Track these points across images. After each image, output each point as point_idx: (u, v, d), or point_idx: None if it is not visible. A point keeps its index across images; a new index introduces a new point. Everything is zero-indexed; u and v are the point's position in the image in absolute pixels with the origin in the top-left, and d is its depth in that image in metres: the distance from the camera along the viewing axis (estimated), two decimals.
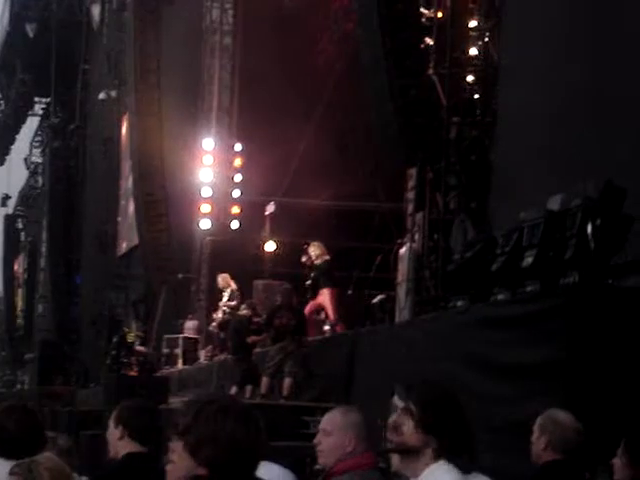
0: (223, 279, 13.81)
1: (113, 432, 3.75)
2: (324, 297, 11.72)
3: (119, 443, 3.71)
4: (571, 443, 3.85)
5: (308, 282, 11.81)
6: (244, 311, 12.29)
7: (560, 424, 3.84)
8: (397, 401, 2.68)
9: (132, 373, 14.69)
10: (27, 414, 3.63)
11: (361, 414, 3.49)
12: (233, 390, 11.22)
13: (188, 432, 2.15)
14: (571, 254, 6.19)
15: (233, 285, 13.68)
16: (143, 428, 3.73)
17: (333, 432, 3.36)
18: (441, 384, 2.80)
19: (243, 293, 13.40)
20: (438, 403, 2.64)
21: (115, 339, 16.70)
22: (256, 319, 11.78)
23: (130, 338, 16.21)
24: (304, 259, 11.91)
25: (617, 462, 3.62)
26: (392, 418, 2.65)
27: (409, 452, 2.60)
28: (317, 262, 11.71)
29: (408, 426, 2.60)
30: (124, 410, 3.81)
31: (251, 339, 11.34)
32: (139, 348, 16.12)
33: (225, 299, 13.74)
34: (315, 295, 11.81)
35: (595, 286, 5.95)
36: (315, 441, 3.40)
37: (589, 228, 6.12)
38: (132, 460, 3.68)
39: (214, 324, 14.35)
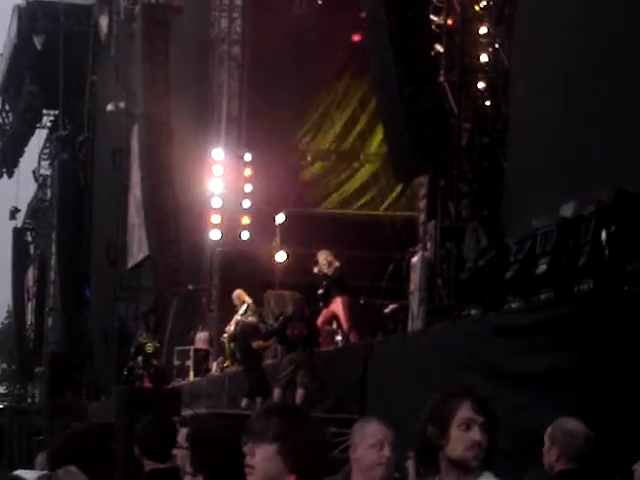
0: (238, 296, 13.70)
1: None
2: (337, 305, 11.71)
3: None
4: (583, 451, 3.83)
5: (320, 291, 11.79)
6: (250, 318, 12.28)
7: (570, 433, 3.83)
8: (472, 414, 2.60)
9: (145, 385, 14.62)
10: None
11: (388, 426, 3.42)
12: (244, 402, 11.16)
13: (284, 439, 2.16)
14: (585, 261, 6.20)
15: (248, 300, 13.57)
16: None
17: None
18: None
19: (259, 308, 13.28)
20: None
21: (132, 349, 16.64)
22: (263, 326, 11.77)
23: (149, 349, 16.14)
24: (316, 270, 11.90)
25: (638, 469, 3.58)
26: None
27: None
28: (328, 270, 11.70)
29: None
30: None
31: (256, 344, 11.31)
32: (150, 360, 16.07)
33: (240, 313, 13.68)
34: (327, 304, 11.78)
35: (610, 293, 5.93)
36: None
37: (603, 235, 6.13)
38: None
39: (225, 335, 14.31)
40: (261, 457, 2.17)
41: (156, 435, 3.82)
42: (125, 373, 15.70)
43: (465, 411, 2.61)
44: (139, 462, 3.85)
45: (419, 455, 2.70)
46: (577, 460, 3.80)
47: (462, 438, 2.58)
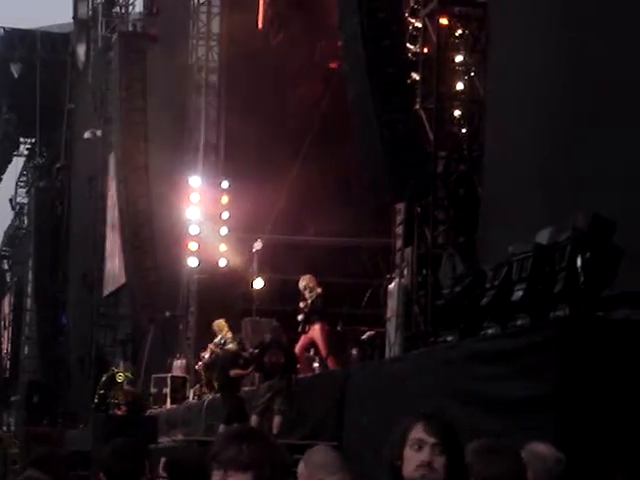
0: (219, 327, 13.62)
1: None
2: (315, 332, 11.69)
3: None
4: (555, 474, 3.84)
5: (300, 317, 11.76)
6: (230, 345, 12.22)
7: (541, 456, 3.83)
8: (423, 435, 2.60)
9: (120, 413, 14.50)
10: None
11: (332, 450, 3.40)
12: (221, 428, 11.10)
13: (259, 466, 2.14)
14: (561, 287, 6.20)
15: (228, 334, 13.46)
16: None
17: None
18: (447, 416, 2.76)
19: (240, 340, 13.19)
20: (457, 437, 2.62)
21: (104, 378, 16.51)
22: (244, 354, 11.71)
23: (119, 378, 16.03)
24: (302, 305, 11.77)
25: None
26: (425, 454, 2.57)
27: None
28: (309, 296, 11.65)
29: (440, 462, 2.56)
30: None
31: (234, 372, 11.26)
32: (127, 387, 15.94)
33: (215, 342, 13.60)
34: (306, 330, 11.75)
35: (585, 319, 5.96)
36: None
37: (579, 261, 6.12)
38: None
39: (200, 364, 14.24)
40: None
41: (120, 461, 3.72)
42: (96, 401, 15.58)
43: (416, 432, 2.61)
44: None
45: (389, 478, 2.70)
46: None
47: (412, 458, 2.59)
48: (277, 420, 10.30)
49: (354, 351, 11.96)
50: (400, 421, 2.67)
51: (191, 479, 3.82)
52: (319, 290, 11.68)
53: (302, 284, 11.78)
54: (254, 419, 10.42)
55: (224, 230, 17.19)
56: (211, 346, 13.73)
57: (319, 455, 3.31)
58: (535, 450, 3.86)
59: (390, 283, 10.89)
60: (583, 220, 6.38)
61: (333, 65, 16.24)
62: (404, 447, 2.60)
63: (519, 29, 9.56)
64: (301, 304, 11.74)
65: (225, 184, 17.31)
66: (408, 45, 11.32)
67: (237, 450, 2.15)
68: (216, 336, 13.68)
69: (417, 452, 2.58)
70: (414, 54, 11.33)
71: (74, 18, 26.43)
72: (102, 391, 15.93)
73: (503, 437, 5.79)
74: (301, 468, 3.27)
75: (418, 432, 2.60)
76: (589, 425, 5.44)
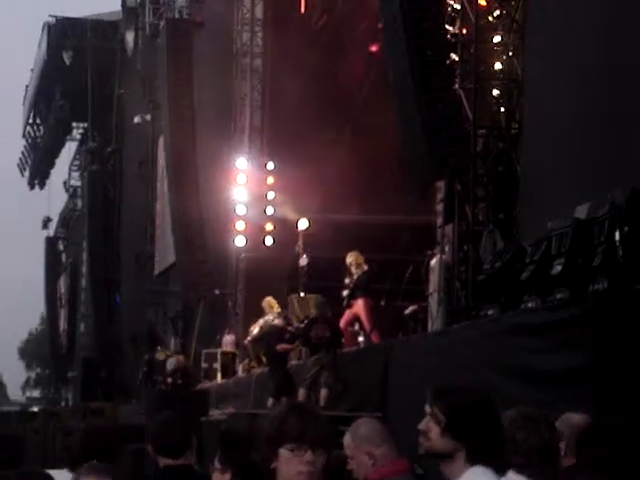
0: (269, 303, 13.83)
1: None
2: (359, 307, 11.87)
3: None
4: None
5: (345, 292, 11.98)
6: (276, 321, 12.53)
7: (575, 427, 3.83)
8: (426, 405, 2.71)
9: (165, 387, 14.94)
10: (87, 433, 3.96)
11: (377, 422, 3.52)
12: (270, 402, 11.44)
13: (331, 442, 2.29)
14: (599, 261, 6.23)
15: (277, 309, 13.69)
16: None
17: (351, 454, 3.38)
18: (470, 388, 2.77)
19: (286, 316, 13.52)
20: (465, 408, 2.62)
21: (146, 357, 17.05)
22: (289, 329, 12.00)
23: (160, 356, 16.55)
24: (347, 281, 11.92)
25: None
26: (421, 424, 2.68)
27: (441, 457, 2.61)
28: (355, 272, 11.83)
29: (435, 431, 2.62)
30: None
31: (280, 347, 11.56)
32: (179, 358, 16.39)
33: (265, 318, 13.89)
34: (350, 305, 11.99)
35: (624, 292, 5.93)
36: (348, 468, 3.41)
37: (617, 235, 6.14)
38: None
39: (249, 338, 14.62)
40: (321, 464, 2.28)
41: (167, 433, 3.80)
42: (140, 379, 16.07)
43: (425, 404, 2.72)
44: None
45: None
46: None
47: (420, 427, 2.71)
48: (324, 393, 10.52)
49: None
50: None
51: (242, 449, 3.85)
52: (365, 267, 11.81)
53: (349, 260, 11.85)
54: (302, 392, 10.68)
55: (270, 210, 17.56)
56: (260, 322, 14.09)
57: (365, 428, 3.41)
58: (569, 421, 3.86)
59: (432, 259, 11.06)
60: (621, 195, 6.35)
61: (374, 47, 16.40)
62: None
63: (556, 9, 9.62)
64: (346, 280, 11.89)
65: (270, 165, 17.66)
66: (447, 27, 11.44)
67: (319, 429, 2.26)
68: (265, 313, 14.04)
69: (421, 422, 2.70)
70: (453, 35, 11.45)
71: (122, 6, 26.92)
72: (145, 368, 16.46)
73: (544, 409, 5.85)
74: (347, 440, 3.39)
75: (425, 404, 2.71)
76: (628, 397, 5.44)
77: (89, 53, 28.96)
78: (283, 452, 2.38)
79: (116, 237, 30.03)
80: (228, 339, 17.17)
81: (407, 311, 11.69)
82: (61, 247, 40.91)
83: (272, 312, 13.71)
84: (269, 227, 17.51)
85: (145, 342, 22.63)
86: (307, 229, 15.25)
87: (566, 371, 5.89)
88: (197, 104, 20.29)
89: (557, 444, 3.20)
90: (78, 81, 29.39)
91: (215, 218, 19.12)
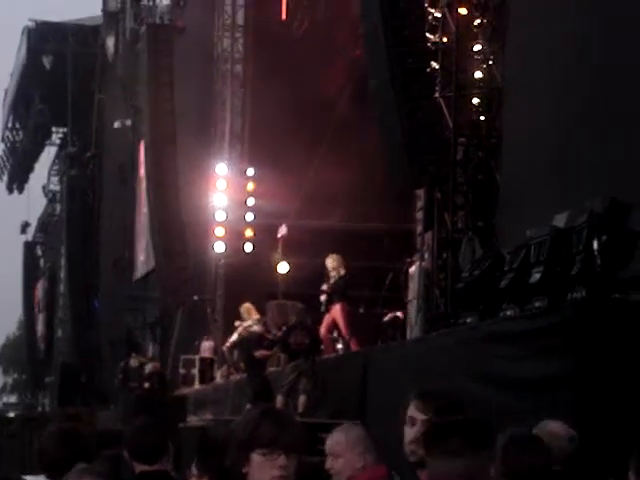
0: (247, 309, 13.78)
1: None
2: (336, 311, 11.88)
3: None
4: (567, 452, 3.86)
5: (322, 297, 11.97)
6: (255, 327, 12.50)
7: (554, 435, 3.84)
8: (415, 413, 2.71)
9: (142, 393, 14.88)
10: (66, 436, 3.83)
11: (364, 428, 3.54)
12: (247, 408, 11.40)
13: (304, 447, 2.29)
14: (578, 270, 6.23)
15: (255, 316, 13.63)
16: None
17: (342, 453, 3.39)
18: (451, 394, 2.84)
19: (265, 322, 13.47)
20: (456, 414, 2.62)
21: (121, 364, 16.98)
22: (268, 336, 11.98)
23: (134, 363, 16.50)
24: (325, 287, 11.90)
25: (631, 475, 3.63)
26: (412, 432, 2.67)
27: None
28: (333, 275, 11.82)
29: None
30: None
31: (259, 353, 11.54)
32: (154, 365, 16.35)
33: (244, 324, 13.85)
34: (328, 310, 11.98)
35: (602, 300, 5.95)
36: (327, 466, 3.41)
37: (595, 244, 6.16)
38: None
39: (227, 344, 14.59)
40: (294, 468, 2.26)
41: (143, 439, 3.79)
42: (116, 385, 16.02)
43: (410, 410, 2.75)
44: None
45: None
46: (561, 461, 3.79)
47: (407, 434, 2.75)
48: (302, 399, 10.50)
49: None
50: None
51: (219, 456, 3.73)
52: (342, 271, 11.81)
53: (329, 263, 11.81)
54: (280, 399, 10.64)
55: (250, 216, 17.55)
56: (239, 328, 14.07)
57: (358, 431, 3.44)
58: (548, 428, 3.87)
59: (411, 267, 11.09)
60: (600, 204, 6.37)
61: (358, 53, 16.44)
62: (404, 425, 2.75)
63: (537, 17, 9.68)
64: (324, 286, 11.89)
65: (250, 171, 17.66)
66: (428, 35, 11.49)
67: (293, 434, 2.25)
68: (243, 319, 14.01)
69: (410, 429, 2.72)
70: (433, 43, 11.51)
71: (103, 11, 26.85)
72: (120, 375, 16.38)
73: (521, 417, 5.86)
74: (338, 439, 3.41)
75: (412, 410, 2.74)
76: (605, 405, 5.45)
77: (69, 58, 28.88)
78: (255, 457, 2.34)
79: (95, 242, 29.91)
80: (206, 345, 17.13)
81: (386, 318, 11.71)
82: (39, 252, 40.69)
83: (250, 318, 13.69)
84: (249, 233, 17.51)
85: (124, 348, 22.53)
86: (286, 235, 15.24)
87: (544, 379, 5.91)
88: (178, 109, 20.27)
89: (550, 466, 3.20)
90: (58, 86, 29.28)
91: (195, 223, 19.08)
